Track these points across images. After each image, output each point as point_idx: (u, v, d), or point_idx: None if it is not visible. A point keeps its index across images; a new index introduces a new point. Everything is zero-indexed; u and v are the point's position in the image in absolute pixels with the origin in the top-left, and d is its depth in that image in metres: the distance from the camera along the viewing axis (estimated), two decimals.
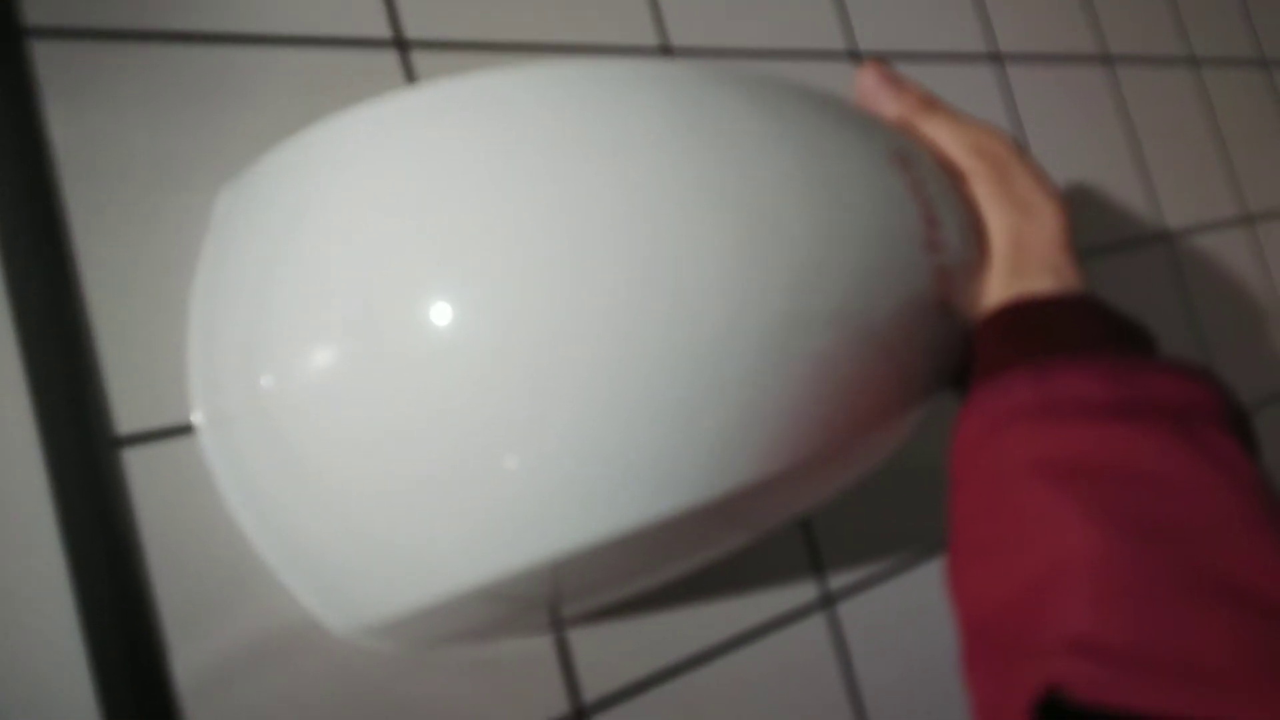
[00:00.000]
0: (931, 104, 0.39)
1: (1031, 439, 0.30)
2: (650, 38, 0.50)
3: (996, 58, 0.69)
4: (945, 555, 0.32)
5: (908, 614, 0.52)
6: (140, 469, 0.33)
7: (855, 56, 0.59)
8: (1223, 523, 0.27)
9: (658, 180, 0.30)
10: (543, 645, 0.40)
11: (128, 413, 0.33)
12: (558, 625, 0.40)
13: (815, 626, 0.48)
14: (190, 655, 0.32)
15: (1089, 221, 0.72)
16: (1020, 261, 0.36)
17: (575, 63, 0.33)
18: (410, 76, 0.41)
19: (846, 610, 0.49)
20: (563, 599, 0.36)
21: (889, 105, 0.39)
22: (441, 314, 0.28)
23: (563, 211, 0.29)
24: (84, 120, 0.34)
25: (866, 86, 0.40)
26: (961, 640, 0.30)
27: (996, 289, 0.36)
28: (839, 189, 0.33)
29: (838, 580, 0.50)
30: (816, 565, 0.49)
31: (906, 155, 0.36)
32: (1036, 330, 0.34)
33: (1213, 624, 0.25)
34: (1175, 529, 0.27)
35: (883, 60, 0.40)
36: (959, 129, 0.38)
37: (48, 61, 0.34)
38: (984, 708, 0.29)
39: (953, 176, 0.38)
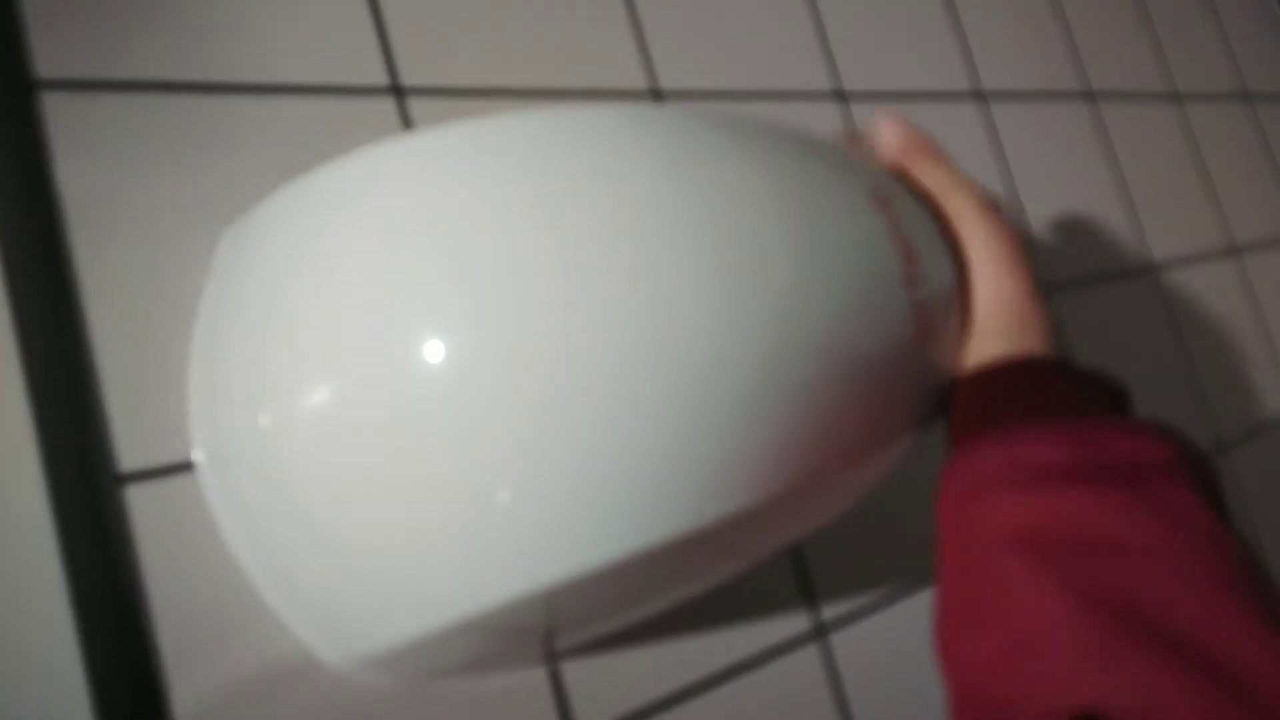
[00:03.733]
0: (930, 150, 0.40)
1: (998, 508, 0.31)
2: (640, 82, 0.52)
3: (980, 95, 0.71)
4: (934, 618, 0.33)
5: (901, 644, 0.52)
6: (142, 505, 0.33)
7: (841, 97, 0.61)
8: (1171, 577, 0.29)
9: (644, 222, 0.31)
10: (537, 678, 0.40)
11: (130, 450, 0.34)
12: (551, 657, 0.40)
13: (808, 657, 0.48)
14: (190, 690, 0.33)
15: (1075, 253, 0.73)
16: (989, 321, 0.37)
17: (565, 109, 0.34)
18: (407, 122, 0.43)
19: (839, 641, 0.50)
20: (557, 630, 0.36)
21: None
22: (434, 352, 0.29)
23: (552, 253, 0.30)
24: (90, 168, 0.35)
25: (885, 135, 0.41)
26: (950, 702, 0.31)
27: (973, 349, 0.37)
28: (818, 226, 0.34)
29: (830, 610, 0.50)
30: (809, 595, 0.50)
31: (885, 193, 0.37)
32: (1006, 396, 0.35)
33: (1166, 679, 0.26)
34: (1131, 589, 0.28)
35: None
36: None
37: (56, 113, 0.35)
38: None
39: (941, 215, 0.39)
